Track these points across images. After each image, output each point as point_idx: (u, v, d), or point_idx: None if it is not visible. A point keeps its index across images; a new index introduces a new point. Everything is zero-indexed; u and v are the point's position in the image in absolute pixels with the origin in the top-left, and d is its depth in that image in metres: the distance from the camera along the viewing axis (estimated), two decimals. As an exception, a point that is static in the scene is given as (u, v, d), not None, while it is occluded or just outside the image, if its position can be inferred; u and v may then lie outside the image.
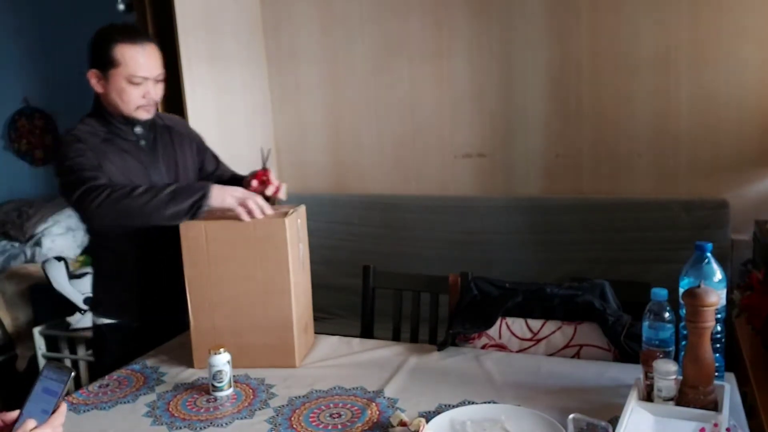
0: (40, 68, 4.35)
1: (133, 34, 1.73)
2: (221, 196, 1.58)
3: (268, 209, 1.59)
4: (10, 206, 4.05)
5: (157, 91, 1.77)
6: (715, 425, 1.12)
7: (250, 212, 1.56)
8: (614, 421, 1.15)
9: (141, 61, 1.71)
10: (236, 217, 1.57)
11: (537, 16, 2.91)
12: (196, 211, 1.57)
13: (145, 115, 1.78)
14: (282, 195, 1.74)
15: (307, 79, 3.40)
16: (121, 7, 3.43)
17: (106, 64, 1.71)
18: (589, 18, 2.83)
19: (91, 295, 2.89)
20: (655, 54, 2.75)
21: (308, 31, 3.36)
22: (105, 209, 1.57)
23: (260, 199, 1.59)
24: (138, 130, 1.80)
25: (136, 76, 1.71)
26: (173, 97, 2.95)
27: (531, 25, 2.92)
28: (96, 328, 1.91)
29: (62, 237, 3.78)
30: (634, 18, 2.75)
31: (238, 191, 1.60)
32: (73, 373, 1.00)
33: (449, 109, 3.15)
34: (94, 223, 1.70)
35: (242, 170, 1.99)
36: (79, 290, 2.89)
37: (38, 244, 3.75)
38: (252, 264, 1.57)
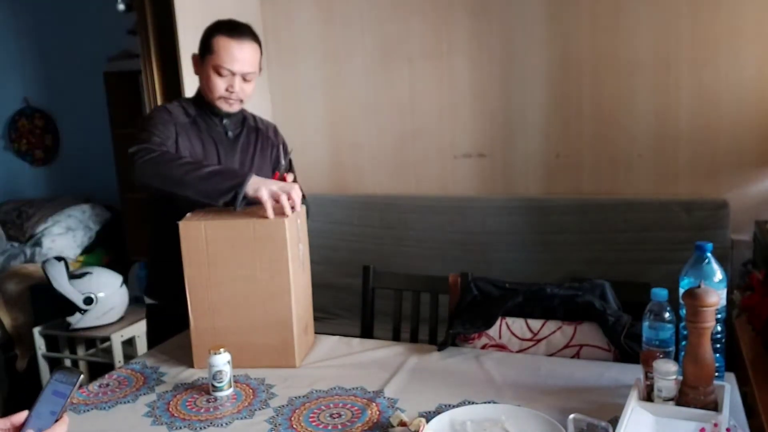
0: (40, 68, 4.35)
1: (235, 30, 1.82)
2: (257, 185, 1.57)
3: (298, 206, 1.60)
4: (9, 206, 4.05)
5: (243, 88, 1.83)
6: (715, 425, 1.12)
7: (276, 208, 1.55)
8: (614, 422, 1.15)
9: (232, 55, 1.78)
10: (236, 217, 1.57)
11: (537, 16, 2.91)
12: (232, 196, 1.56)
13: (225, 106, 1.86)
14: (297, 207, 1.65)
15: (307, 79, 3.40)
16: (121, 7, 3.43)
17: (204, 50, 1.83)
18: (589, 18, 2.83)
19: (91, 294, 2.90)
20: (655, 54, 2.75)
21: (308, 31, 3.36)
22: (149, 168, 1.62)
23: (296, 193, 1.58)
24: (225, 121, 1.90)
25: (223, 68, 1.79)
26: (173, 97, 2.95)
27: (531, 25, 2.93)
28: (147, 307, 2.03)
29: (62, 237, 3.78)
30: (634, 18, 2.75)
31: (275, 184, 1.59)
32: (82, 376, 1.01)
33: (449, 109, 3.15)
34: (137, 181, 1.70)
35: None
36: (79, 290, 2.89)
37: (38, 244, 3.75)
38: (252, 264, 1.57)
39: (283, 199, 1.55)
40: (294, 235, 1.59)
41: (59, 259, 3.00)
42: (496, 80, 3.03)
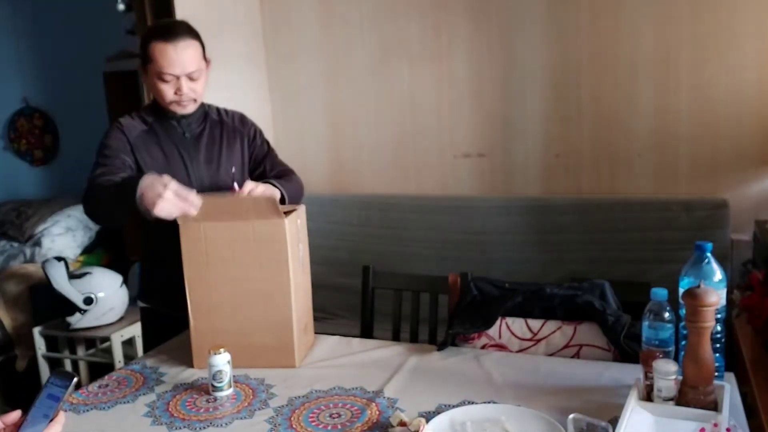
0: (39, 68, 4.35)
1: (168, 32, 1.76)
2: (147, 186, 1.49)
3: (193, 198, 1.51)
4: (9, 206, 4.05)
5: (193, 87, 1.81)
6: (715, 425, 1.12)
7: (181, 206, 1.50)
8: (614, 421, 1.15)
9: (170, 59, 1.75)
10: (236, 217, 1.57)
11: (537, 16, 2.91)
12: (132, 202, 1.50)
13: (179, 109, 1.84)
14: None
15: (307, 80, 3.40)
16: (121, 7, 3.43)
17: (144, 58, 1.80)
18: (588, 18, 2.83)
19: (91, 294, 2.90)
20: (655, 54, 2.75)
21: (308, 31, 3.36)
22: (87, 209, 1.74)
23: (185, 192, 1.50)
24: (183, 122, 1.88)
25: (165, 73, 1.76)
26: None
27: (531, 25, 2.93)
28: (141, 310, 2.04)
29: (62, 237, 3.78)
30: (634, 18, 2.75)
31: (165, 179, 1.50)
32: (75, 379, 1.02)
33: (449, 109, 3.15)
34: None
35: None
36: (79, 290, 2.89)
37: (38, 244, 3.75)
38: (252, 264, 1.57)
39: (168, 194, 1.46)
40: (294, 235, 1.59)
41: (59, 259, 3.00)
42: (495, 80, 3.03)
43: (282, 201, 1.76)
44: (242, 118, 2.02)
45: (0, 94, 4.42)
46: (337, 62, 3.32)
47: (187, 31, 1.79)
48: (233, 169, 1.92)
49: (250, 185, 1.66)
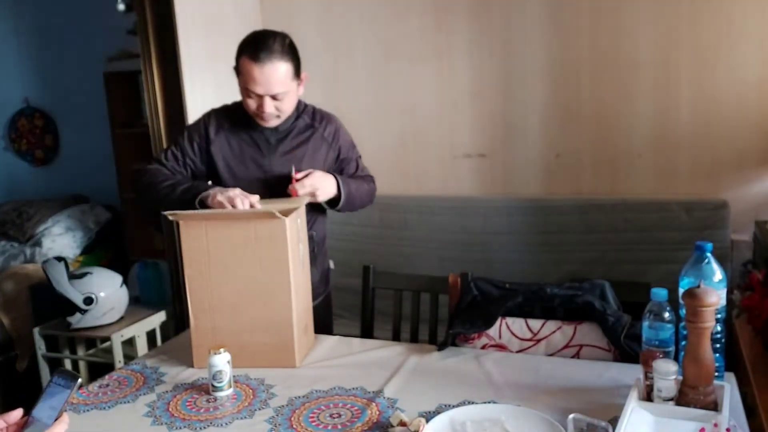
0: (40, 68, 4.35)
1: (258, 50, 1.71)
2: (213, 193, 1.68)
3: (256, 204, 1.66)
4: (9, 206, 4.05)
5: (278, 106, 1.78)
6: (715, 425, 1.12)
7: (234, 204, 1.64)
8: (614, 422, 1.15)
9: (255, 79, 1.72)
10: (236, 217, 1.57)
11: (537, 16, 2.91)
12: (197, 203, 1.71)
13: (261, 122, 1.84)
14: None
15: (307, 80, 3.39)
16: (121, 7, 3.43)
17: (236, 69, 1.79)
18: (589, 18, 2.83)
19: (91, 294, 2.90)
20: (655, 54, 2.75)
21: (308, 31, 3.35)
22: (137, 191, 1.92)
23: (247, 200, 1.65)
24: (267, 130, 1.87)
25: (250, 90, 1.76)
26: (173, 97, 2.95)
27: (531, 25, 2.92)
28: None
29: (62, 237, 3.77)
30: (634, 18, 2.75)
31: (228, 191, 1.67)
32: (80, 380, 1.02)
33: (449, 109, 3.15)
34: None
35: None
36: (79, 290, 2.89)
37: (38, 244, 3.75)
38: (252, 264, 1.57)
39: (237, 201, 1.63)
40: (294, 235, 1.59)
41: (59, 259, 2.99)
42: (496, 80, 3.03)
43: (337, 197, 1.84)
44: (335, 128, 1.97)
45: (1, 94, 4.42)
46: (337, 62, 3.32)
47: (278, 50, 1.73)
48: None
49: (301, 174, 1.76)
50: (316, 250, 1.96)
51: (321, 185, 1.79)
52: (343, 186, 1.85)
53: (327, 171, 1.89)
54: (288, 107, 1.82)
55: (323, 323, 1.98)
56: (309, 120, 1.93)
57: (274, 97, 1.76)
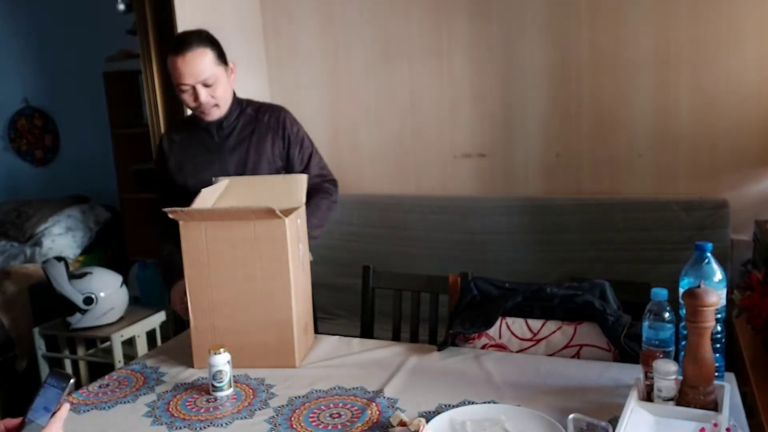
0: (40, 68, 4.35)
1: (178, 44, 1.83)
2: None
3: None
4: (10, 206, 4.05)
5: (212, 93, 1.86)
6: (715, 425, 1.12)
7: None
8: (614, 421, 1.15)
9: (180, 70, 1.81)
10: (236, 217, 1.57)
11: (537, 16, 2.91)
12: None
13: (205, 117, 1.91)
14: None
15: (307, 80, 3.40)
16: (121, 7, 3.43)
17: (170, 73, 1.87)
18: (589, 18, 2.83)
19: (91, 294, 2.90)
20: (655, 54, 2.75)
21: (308, 31, 3.35)
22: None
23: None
24: (212, 126, 1.94)
25: (180, 84, 1.84)
26: (173, 97, 2.95)
27: (531, 25, 2.92)
28: None
29: (62, 237, 3.77)
30: (634, 18, 2.75)
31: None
32: (73, 380, 1.03)
33: (449, 109, 3.15)
34: None
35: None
36: (79, 290, 2.89)
37: (38, 244, 3.75)
38: (252, 264, 1.57)
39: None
40: (294, 235, 1.59)
41: (59, 259, 2.99)
42: (496, 80, 3.03)
43: None
44: (282, 116, 2.02)
45: (0, 94, 4.42)
46: (337, 62, 3.32)
47: (197, 39, 1.83)
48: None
49: None
50: None
51: None
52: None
53: (274, 162, 1.97)
54: (222, 94, 1.88)
55: None
56: (253, 113, 2.00)
57: (205, 84, 1.83)
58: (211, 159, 1.94)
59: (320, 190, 2.08)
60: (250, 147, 1.95)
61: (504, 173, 3.10)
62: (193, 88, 1.83)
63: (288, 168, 2.03)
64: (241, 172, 1.94)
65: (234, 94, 1.99)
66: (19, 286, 3.36)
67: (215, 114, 1.90)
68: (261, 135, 1.97)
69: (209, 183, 1.81)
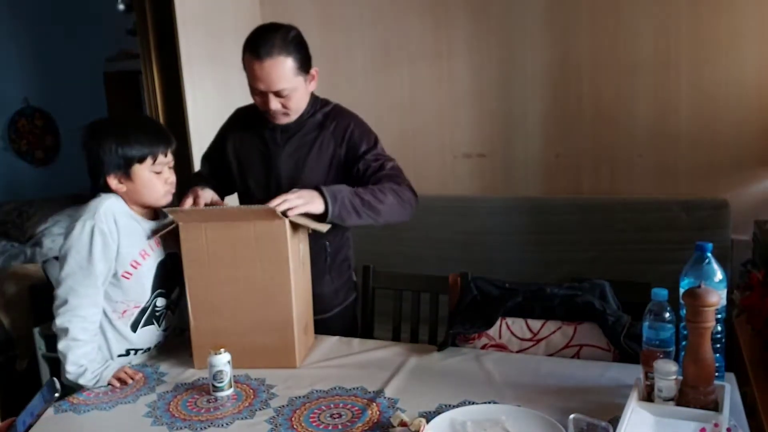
0: (40, 68, 4.35)
1: (258, 46, 1.66)
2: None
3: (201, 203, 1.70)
4: (10, 206, 4.05)
5: (286, 103, 1.73)
6: (716, 425, 1.12)
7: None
8: (614, 422, 1.15)
9: (256, 76, 1.68)
10: (236, 217, 1.57)
11: (537, 16, 2.91)
12: None
13: (272, 120, 1.79)
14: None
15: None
16: (121, 7, 3.44)
17: (244, 66, 1.73)
18: (589, 18, 2.83)
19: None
20: (655, 54, 2.75)
21: (308, 31, 3.29)
22: None
23: (190, 198, 1.70)
24: (278, 127, 1.82)
25: (254, 87, 1.72)
26: (173, 97, 2.96)
27: (531, 25, 2.92)
28: None
29: (62, 237, 3.78)
30: (634, 18, 2.75)
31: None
32: (57, 395, 1.06)
33: (449, 109, 3.15)
34: None
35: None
36: (79, 290, 2.89)
37: (38, 244, 3.75)
38: (252, 264, 1.57)
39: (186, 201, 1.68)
40: (294, 235, 1.59)
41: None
42: (495, 80, 3.03)
43: (325, 213, 1.61)
44: (351, 124, 1.86)
45: (1, 95, 4.42)
46: (337, 62, 3.32)
47: (280, 44, 1.66)
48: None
49: (276, 201, 1.54)
50: (329, 261, 1.90)
51: (296, 203, 1.57)
52: (332, 203, 1.62)
53: (334, 172, 1.81)
54: (296, 105, 1.76)
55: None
56: (321, 118, 1.86)
57: (278, 94, 1.70)
58: (267, 159, 1.83)
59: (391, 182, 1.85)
60: (309, 156, 1.81)
61: (504, 173, 3.10)
62: (266, 94, 1.70)
63: (353, 178, 1.82)
64: (295, 176, 1.81)
65: (312, 95, 1.86)
66: (19, 286, 3.36)
67: (283, 120, 1.79)
68: (323, 143, 1.82)
69: (258, 180, 1.84)
